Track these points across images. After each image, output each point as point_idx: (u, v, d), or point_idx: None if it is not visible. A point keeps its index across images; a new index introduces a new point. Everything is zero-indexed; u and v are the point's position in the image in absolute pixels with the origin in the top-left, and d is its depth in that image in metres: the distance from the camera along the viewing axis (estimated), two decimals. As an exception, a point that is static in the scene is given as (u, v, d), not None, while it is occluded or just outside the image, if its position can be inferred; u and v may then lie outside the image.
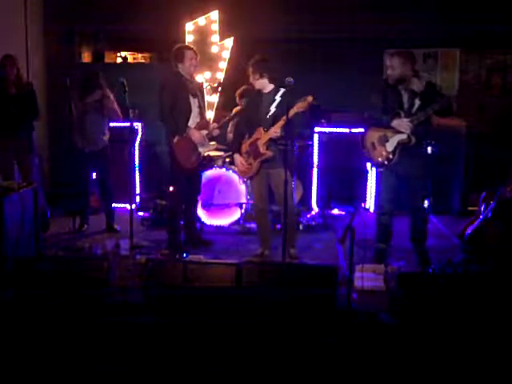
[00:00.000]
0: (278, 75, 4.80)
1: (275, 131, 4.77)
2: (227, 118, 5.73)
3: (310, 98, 4.68)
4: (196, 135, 5.17)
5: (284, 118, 4.63)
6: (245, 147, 5.03)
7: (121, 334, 3.59)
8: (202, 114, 5.33)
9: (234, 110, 5.92)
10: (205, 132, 5.25)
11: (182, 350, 3.53)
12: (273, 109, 4.86)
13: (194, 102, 5.22)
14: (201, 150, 5.27)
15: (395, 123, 4.69)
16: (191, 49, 5.24)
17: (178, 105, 5.11)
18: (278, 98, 4.85)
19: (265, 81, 4.88)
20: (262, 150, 4.86)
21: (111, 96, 5.87)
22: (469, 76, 7.42)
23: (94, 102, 5.79)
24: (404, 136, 4.69)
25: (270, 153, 4.85)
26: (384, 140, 4.80)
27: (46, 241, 5.48)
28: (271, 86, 4.91)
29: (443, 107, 4.58)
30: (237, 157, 5.09)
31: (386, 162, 4.80)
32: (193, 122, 5.22)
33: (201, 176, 5.63)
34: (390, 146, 4.77)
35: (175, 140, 5.16)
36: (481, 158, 6.56)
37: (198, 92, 5.29)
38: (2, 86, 5.55)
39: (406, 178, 4.82)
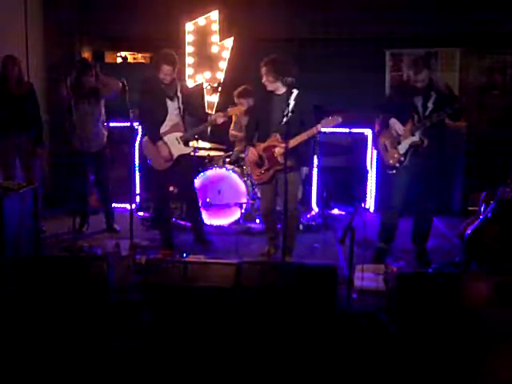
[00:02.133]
0: (295, 77, 4.61)
1: (295, 143, 4.68)
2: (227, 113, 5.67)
3: (339, 119, 4.68)
4: (163, 151, 5.19)
5: (307, 133, 4.67)
6: (258, 150, 4.96)
7: (120, 334, 3.59)
8: (182, 115, 5.28)
9: (234, 110, 5.79)
10: (179, 134, 5.25)
11: (181, 349, 3.53)
12: (290, 113, 4.67)
13: (171, 105, 5.22)
14: (173, 151, 5.26)
15: (391, 122, 4.74)
16: (170, 64, 5.08)
17: (153, 108, 5.17)
18: (292, 102, 4.70)
19: (278, 83, 4.72)
20: (280, 158, 4.74)
21: (102, 77, 5.89)
22: (469, 76, 7.41)
23: (89, 93, 5.78)
24: (416, 139, 4.71)
25: (289, 162, 4.69)
26: (396, 142, 4.80)
27: (45, 241, 5.48)
28: (284, 89, 4.76)
29: (456, 110, 4.58)
30: (251, 149, 4.98)
31: (397, 165, 4.82)
32: (169, 124, 5.24)
33: (190, 176, 5.58)
34: (402, 148, 4.79)
35: (144, 139, 5.30)
36: (481, 157, 6.55)
37: (179, 94, 5.23)
38: (4, 85, 5.57)
39: (420, 178, 4.82)
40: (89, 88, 5.80)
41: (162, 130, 5.23)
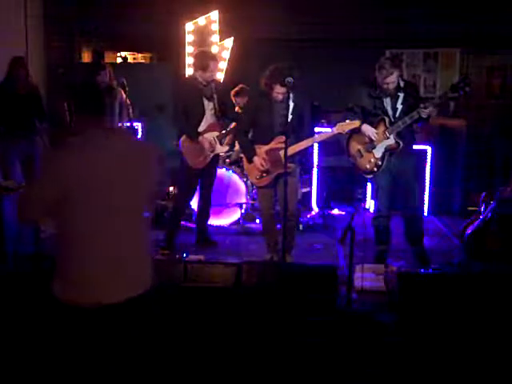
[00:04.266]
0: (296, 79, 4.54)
1: (303, 146, 4.72)
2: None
3: (357, 123, 4.68)
4: (206, 144, 5.19)
5: (321, 135, 4.76)
6: (260, 154, 4.84)
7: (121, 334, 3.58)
8: (217, 115, 5.28)
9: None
10: (215, 134, 5.26)
11: (181, 349, 3.53)
12: (289, 116, 4.66)
13: (208, 105, 5.22)
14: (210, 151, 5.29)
15: (363, 127, 4.71)
16: (216, 60, 5.17)
17: (190, 108, 5.16)
18: (291, 104, 4.67)
19: (283, 89, 4.60)
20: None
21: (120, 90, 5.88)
22: (469, 76, 7.41)
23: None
24: (391, 142, 4.69)
25: (293, 165, 4.72)
26: (370, 147, 4.78)
27: (45, 240, 5.47)
28: (286, 94, 4.65)
29: (430, 111, 4.56)
30: (256, 159, 4.84)
31: (374, 169, 4.79)
32: (205, 124, 5.23)
33: (214, 176, 5.53)
34: (378, 152, 4.75)
35: (182, 139, 5.21)
36: (481, 158, 6.56)
37: (215, 94, 5.23)
38: (13, 86, 5.61)
39: (399, 178, 4.82)
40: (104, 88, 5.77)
41: (199, 129, 5.23)
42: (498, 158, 6.16)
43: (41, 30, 7.21)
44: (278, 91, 4.60)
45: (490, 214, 4.85)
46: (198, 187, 5.45)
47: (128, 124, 5.46)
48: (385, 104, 4.70)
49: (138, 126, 6.90)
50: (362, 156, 4.85)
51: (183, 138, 5.23)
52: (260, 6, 6.79)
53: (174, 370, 3.42)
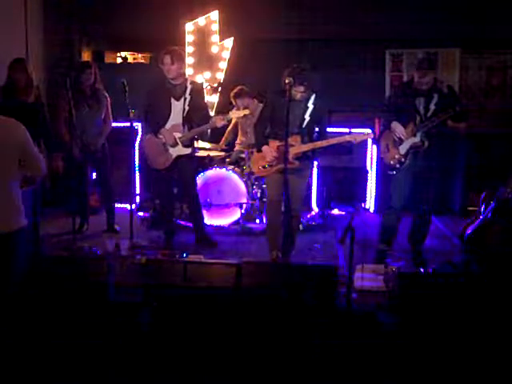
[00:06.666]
0: (313, 82, 4.69)
1: (314, 147, 4.77)
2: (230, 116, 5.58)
3: (370, 135, 4.86)
4: (166, 135, 5.20)
5: (329, 140, 4.74)
6: (271, 146, 4.88)
7: (121, 334, 3.59)
8: (184, 116, 5.22)
9: (235, 113, 5.64)
10: (178, 135, 5.24)
11: (181, 349, 3.53)
12: (307, 117, 4.73)
13: (176, 105, 5.21)
14: (171, 151, 5.27)
15: (393, 125, 4.74)
16: (169, 54, 5.12)
17: (155, 106, 5.21)
18: (310, 106, 4.73)
19: (301, 88, 4.63)
20: (290, 158, 4.69)
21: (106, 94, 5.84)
22: (469, 76, 7.41)
23: (90, 96, 5.73)
24: (417, 139, 4.72)
25: (298, 164, 4.75)
26: (398, 143, 4.80)
27: (45, 241, 5.48)
28: (304, 94, 4.70)
29: (458, 112, 4.61)
30: (265, 148, 4.86)
31: (397, 165, 4.82)
32: (171, 124, 5.23)
33: (190, 177, 5.51)
34: (403, 149, 4.79)
35: (146, 137, 5.33)
36: (481, 157, 6.56)
37: (188, 95, 5.20)
38: (12, 91, 5.23)
39: (420, 179, 4.82)
40: (89, 89, 5.74)
41: (162, 129, 5.23)
42: (498, 158, 6.15)
43: (41, 30, 7.21)
44: (297, 90, 4.62)
45: (490, 214, 4.85)
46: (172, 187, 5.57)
47: (128, 124, 5.44)
48: (417, 103, 4.72)
49: (137, 126, 6.90)
50: (388, 151, 4.89)
51: (147, 137, 5.30)
52: (260, 6, 6.79)
53: (174, 371, 3.42)
